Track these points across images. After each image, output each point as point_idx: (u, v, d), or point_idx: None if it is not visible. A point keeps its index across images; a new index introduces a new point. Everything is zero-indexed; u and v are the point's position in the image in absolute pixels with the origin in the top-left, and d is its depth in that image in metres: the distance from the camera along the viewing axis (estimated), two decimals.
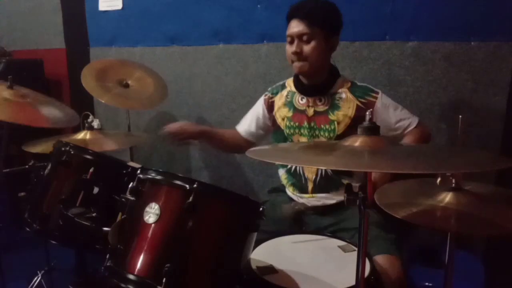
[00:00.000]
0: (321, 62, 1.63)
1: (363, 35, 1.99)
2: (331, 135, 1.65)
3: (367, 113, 1.05)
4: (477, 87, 1.85)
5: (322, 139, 1.67)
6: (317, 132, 1.68)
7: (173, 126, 1.78)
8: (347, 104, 1.64)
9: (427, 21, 1.89)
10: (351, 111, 1.63)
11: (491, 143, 1.85)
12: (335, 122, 1.64)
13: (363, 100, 1.63)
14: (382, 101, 1.64)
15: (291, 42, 1.61)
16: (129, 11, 2.68)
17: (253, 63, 2.33)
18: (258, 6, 2.27)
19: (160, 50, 2.62)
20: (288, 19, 1.62)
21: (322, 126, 1.67)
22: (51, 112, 1.81)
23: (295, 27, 1.58)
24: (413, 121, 1.67)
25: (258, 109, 1.86)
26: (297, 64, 1.62)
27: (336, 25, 1.63)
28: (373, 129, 1.03)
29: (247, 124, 1.89)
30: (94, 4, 2.79)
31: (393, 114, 1.64)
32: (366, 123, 1.04)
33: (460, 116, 1.10)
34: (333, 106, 1.65)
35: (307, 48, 1.59)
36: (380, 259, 1.40)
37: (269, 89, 1.86)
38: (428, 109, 1.95)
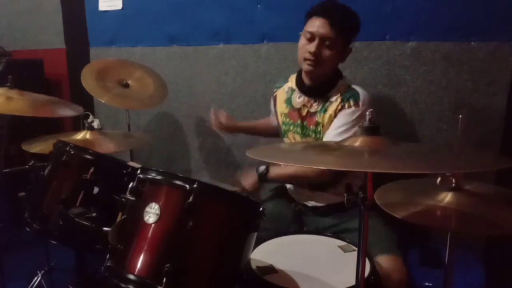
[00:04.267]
0: (331, 69, 1.62)
1: (363, 35, 1.97)
2: (318, 136, 1.65)
3: (367, 113, 1.05)
4: (477, 87, 1.85)
5: (310, 139, 1.67)
6: (308, 132, 1.68)
7: (219, 123, 1.94)
8: (333, 107, 1.61)
9: (427, 21, 1.89)
10: (334, 114, 1.60)
11: (491, 143, 1.84)
12: (321, 125, 1.64)
13: (344, 104, 1.58)
14: (350, 111, 1.57)
15: (311, 40, 1.56)
16: (129, 11, 2.68)
17: (253, 63, 2.33)
18: (258, 6, 2.26)
19: (160, 50, 2.62)
20: (313, 15, 1.56)
21: (311, 127, 1.67)
22: (53, 106, 1.84)
23: (323, 28, 1.52)
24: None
25: (271, 102, 1.90)
26: (309, 65, 1.58)
27: (355, 35, 1.62)
28: (373, 129, 1.03)
29: (271, 117, 1.96)
30: (94, 4, 2.79)
31: (337, 125, 1.59)
32: (366, 123, 1.04)
33: (460, 116, 1.10)
34: (323, 109, 1.64)
35: (326, 53, 1.55)
36: (382, 259, 1.40)
37: (276, 84, 1.89)
38: (428, 109, 1.94)
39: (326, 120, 1.62)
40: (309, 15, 1.59)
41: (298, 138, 1.71)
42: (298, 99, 1.71)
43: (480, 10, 1.80)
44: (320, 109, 1.65)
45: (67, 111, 1.86)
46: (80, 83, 2.10)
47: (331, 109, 1.62)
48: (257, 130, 2.05)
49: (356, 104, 1.57)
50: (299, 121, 1.70)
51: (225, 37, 2.39)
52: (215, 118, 1.94)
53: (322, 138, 1.63)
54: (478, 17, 1.80)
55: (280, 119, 1.78)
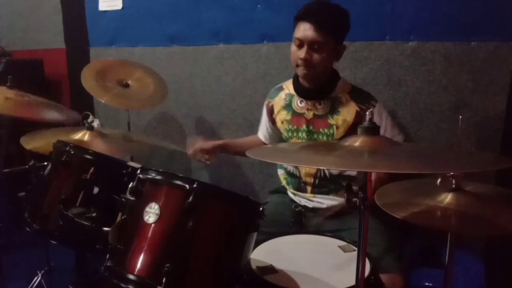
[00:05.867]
0: (326, 69, 1.62)
1: (363, 35, 1.99)
2: (330, 139, 1.64)
3: (367, 113, 1.05)
4: (477, 87, 1.85)
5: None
6: (315, 136, 1.67)
7: (194, 150, 1.82)
8: (346, 109, 1.62)
9: (427, 21, 1.89)
10: (350, 116, 1.62)
11: (491, 143, 1.84)
12: (334, 127, 1.63)
13: (362, 106, 1.62)
14: (378, 111, 1.63)
15: (300, 46, 1.56)
16: (129, 11, 2.68)
17: (253, 63, 2.33)
18: (258, 6, 2.26)
19: (160, 50, 2.62)
20: (299, 20, 1.56)
21: (321, 130, 1.66)
22: (50, 111, 1.83)
23: (308, 32, 1.52)
24: (398, 140, 1.66)
25: (264, 116, 1.88)
26: (302, 70, 1.58)
27: (346, 33, 1.61)
28: (373, 129, 1.03)
29: (263, 129, 1.91)
30: (94, 4, 2.79)
31: (383, 128, 1.63)
32: (366, 123, 1.04)
33: (460, 116, 1.11)
34: (333, 110, 1.64)
35: (317, 56, 1.55)
36: (383, 277, 1.39)
37: (268, 94, 1.86)
38: (428, 109, 1.95)
39: (340, 122, 1.62)
40: (295, 20, 1.58)
41: None
42: (300, 104, 1.70)
43: (480, 10, 1.80)
44: (330, 111, 1.64)
45: (56, 115, 1.83)
46: (80, 83, 2.10)
47: (346, 111, 1.62)
48: (245, 147, 1.91)
49: (375, 101, 1.65)
50: (304, 126, 1.68)
51: (225, 37, 2.39)
52: (190, 146, 1.84)
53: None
54: (478, 17, 1.80)
55: (282, 126, 1.76)
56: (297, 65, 1.60)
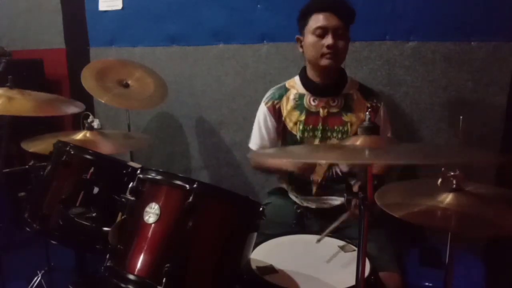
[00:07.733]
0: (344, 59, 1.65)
1: (363, 35, 1.99)
2: (344, 136, 1.63)
3: (367, 112, 1.05)
4: (477, 87, 1.85)
5: (334, 140, 1.65)
6: (329, 134, 1.66)
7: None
8: (359, 106, 1.64)
9: (427, 21, 1.89)
10: (363, 113, 1.63)
11: (491, 143, 1.85)
12: (349, 124, 1.64)
13: (372, 103, 1.65)
14: (383, 111, 1.68)
15: (322, 35, 1.56)
16: (129, 11, 2.68)
17: (253, 63, 2.33)
18: (258, 6, 2.26)
19: (160, 50, 2.62)
20: (314, 12, 1.58)
21: (336, 127, 1.65)
22: (55, 104, 1.83)
23: (332, 20, 1.55)
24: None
25: (264, 120, 1.76)
26: (328, 59, 1.58)
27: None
28: (373, 129, 1.03)
29: (259, 138, 1.78)
30: (94, 4, 2.78)
31: (383, 125, 1.67)
32: (366, 123, 1.04)
33: (461, 117, 1.10)
34: (346, 108, 1.65)
35: (341, 43, 1.58)
36: (382, 275, 1.38)
37: (268, 95, 1.77)
38: (428, 109, 1.95)
39: (354, 119, 1.64)
40: (308, 14, 1.59)
41: (316, 142, 1.66)
42: (313, 102, 1.68)
43: (480, 10, 1.80)
44: (343, 108, 1.65)
45: (70, 108, 1.84)
46: (80, 83, 2.09)
47: (358, 108, 1.64)
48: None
49: (380, 99, 1.70)
50: (319, 125, 1.66)
51: (225, 37, 2.39)
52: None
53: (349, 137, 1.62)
54: (478, 17, 1.81)
55: (295, 128, 1.69)
56: (322, 55, 1.58)
